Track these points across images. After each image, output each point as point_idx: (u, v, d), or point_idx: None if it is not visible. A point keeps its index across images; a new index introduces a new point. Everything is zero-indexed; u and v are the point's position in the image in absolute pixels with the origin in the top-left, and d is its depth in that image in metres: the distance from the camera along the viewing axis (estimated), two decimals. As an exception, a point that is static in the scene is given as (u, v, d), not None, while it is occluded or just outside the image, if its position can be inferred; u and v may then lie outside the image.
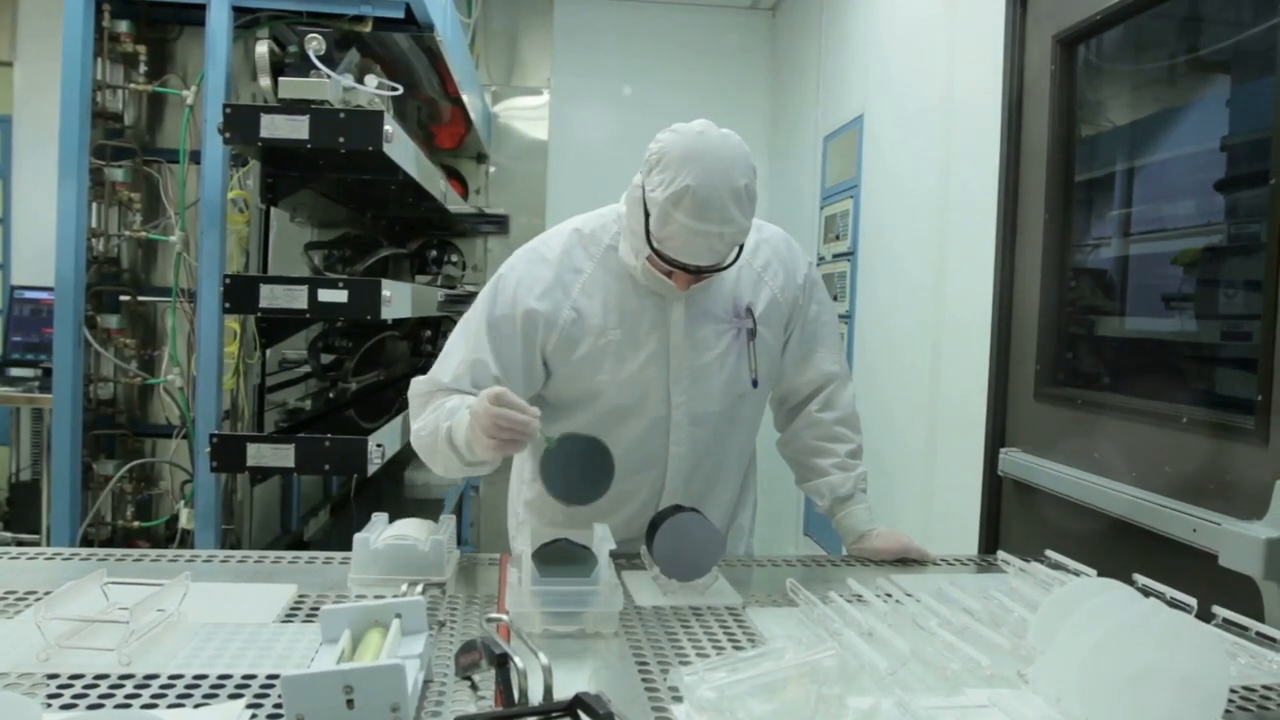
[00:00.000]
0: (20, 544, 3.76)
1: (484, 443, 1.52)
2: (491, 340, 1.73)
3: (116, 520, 2.62)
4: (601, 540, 1.45)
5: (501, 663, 1.11)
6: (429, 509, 4.00)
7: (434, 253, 4.60)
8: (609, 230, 1.78)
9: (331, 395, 3.52)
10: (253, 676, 1.17)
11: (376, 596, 1.48)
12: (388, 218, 4.15)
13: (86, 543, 2.55)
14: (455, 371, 1.73)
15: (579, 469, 1.55)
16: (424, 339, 4.41)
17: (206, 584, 1.51)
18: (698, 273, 1.64)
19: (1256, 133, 1.71)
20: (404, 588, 1.44)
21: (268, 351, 2.80)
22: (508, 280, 1.77)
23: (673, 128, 1.61)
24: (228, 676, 1.17)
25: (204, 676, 1.17)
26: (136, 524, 2.62)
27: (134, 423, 2.67)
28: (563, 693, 1.13)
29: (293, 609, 1.43)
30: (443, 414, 1.66)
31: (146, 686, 1.13)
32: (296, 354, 3.40)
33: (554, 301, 1.74)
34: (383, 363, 4.17)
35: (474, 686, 1.18)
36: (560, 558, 1.42)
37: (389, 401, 3.51)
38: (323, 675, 1.00)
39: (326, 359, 3.51)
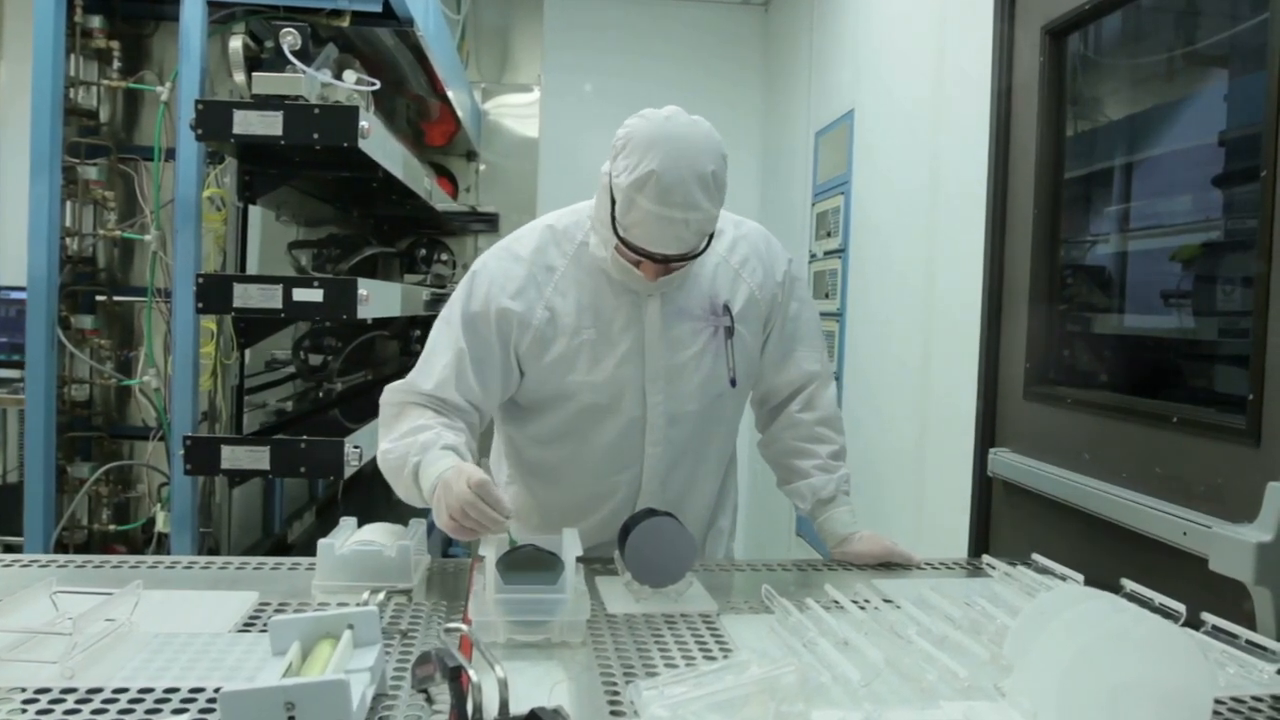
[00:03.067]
0: (7, 548, 3.72)
1: (444, 519, 1.48)
2: (470, 342, 1.68)
3: (93, 524, 2.58)
4: (569, 546, 1.41)
5: (455, 676, 1.07)
6: (419, 511, 3.95)
7: (423, 251, 4.55)
8: (582, 226, 1.73)
9: (320, 395, 3.47)
10: (200, 690, 1.13)
11: (340, 604, 1.44)
12: (375, 216, 4.11)
13: (62, 547, 2.51)
14: (438, 377, 1.67)
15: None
16: (413, 338, 4.36)
17: (165, 592, 1.47)
18: (665, 261, 1.58)
19: (1254, 127, 1.66)
20: (365, 595, 1.39)
21: (247, 352, 2.76)
22: (481, 279, 1.73)
23: (641, 113, 1.57)
24: (174, 690, 1.13)
25: (149, 690, 1.13)
26: (113, 528, 2.58)
27: (111, 424, 2.63)
28: (523, 706, 1.09)
29: (252, 617, 1.39)
30: (414, 446, 1.59)
31: (88, 701, 1.09)
32: (285, 354, 3.36)
33: (527, 301, 1.69)
34: (372, 362, 4.13)
35: (430, 700, 1.13)
36: (526, 564, 1.37)
37: (377, 402, 3.46)
38: (262, 691, 0.96)
39: (316, 359, 3.47)
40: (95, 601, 1.26)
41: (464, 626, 1.23)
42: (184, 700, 1.10)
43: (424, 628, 1.37)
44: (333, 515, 3.69)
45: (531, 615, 1.31)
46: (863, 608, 1.44)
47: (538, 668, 1.25)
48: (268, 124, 2.17)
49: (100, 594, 1.29)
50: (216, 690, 1.12)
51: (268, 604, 1.45)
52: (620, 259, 1.61)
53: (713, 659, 1.27)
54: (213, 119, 2.18)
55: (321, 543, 1.52)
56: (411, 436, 1.61)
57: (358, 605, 1.30)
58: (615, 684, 1.19)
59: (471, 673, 1.07)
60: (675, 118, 1.56)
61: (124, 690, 1.12)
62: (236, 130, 2.18)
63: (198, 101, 2.21)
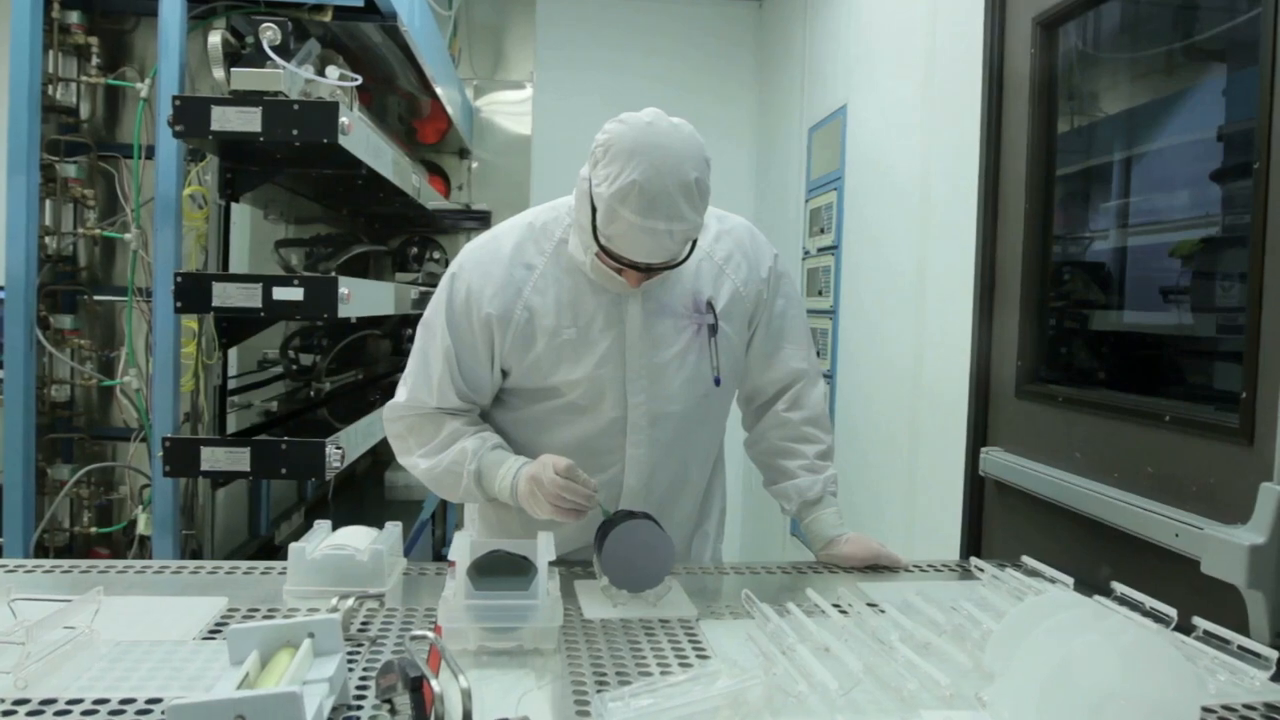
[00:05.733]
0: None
1: (546, 509, 1.56)
2: (457, 347, 1.69)
3: (74, 526, 2.55)
4: (543, 551, 1.37)
5: (416, 686, 1.03)
6: (411, 511, 3.91)
7: (415, 250, 4.52)
8: (561, 223, 1.69)
9: (311, 395, 3.44)
10: (157, 700, 1.10)
11: (310, 610, 1.40)
12: (365, 214, 4.07)
13: (43, 549, 2.48)
14: (439, 391, 1.70)
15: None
16: (405, 337, 4.32)
17: (130, 598, 1.44)
18: (648, 270, 1.56)
19: (1253, 122, 1.62)
20: (334, 601, 1.36)
21: (234, 352, 2.73)
22: (460, 282, 1.70)
23: (620, 118, 1.53)
24: (130, 701, 1.10)
25: (104, 701, 1.09)
26: (94, 530, 2.54)
27: (92, 426, 2.59)
28: (489, 716, 1.06)
29: (219, 624, 1.36)
30: (464, 457, 1.66)
31: (40, 713, 1.06)
32: (277, 354, 3.32)
33: (506, 301, 1.66)
34: (364, 361, 4.09)
35: (394, 710, 1.10)
36: (498, 569, 1.34)
37: (368, 402, 3.43)
38: (212, 704, 0.92)
39: (307, 359, 3.43)
40: (53, 609, 1.22)
41: (430, 634, 1.19)
42: (139, 711, 1.07)
43: (394, 634, 1.33)
44: (322, 517, 3.65)
45: (502, 622, 1.28)
46: (845, 612, 1.41)
47: (508, 676, 1.21)
48: (246, 120, 2.14)
49: (59, 601, 1.26)
50: (173, 701, 1.09)
51: (236, 610, 1.42)
52: (602, 265, 1.58)
53: (689, 666, 1.24)
54: (191, 115, 2.15)
55: (293, 547, 1.49)
56: (452, 446, 1.68)
57: (326, 612, 1.27)
58: (586, 693, 1.16)
59: (434, 683, 1.03)
60: (656, 123, 1.51)
61: (78, 701, 1.09)
62: (214, 127, 2.14)
63: (175, 98, 2.17)
